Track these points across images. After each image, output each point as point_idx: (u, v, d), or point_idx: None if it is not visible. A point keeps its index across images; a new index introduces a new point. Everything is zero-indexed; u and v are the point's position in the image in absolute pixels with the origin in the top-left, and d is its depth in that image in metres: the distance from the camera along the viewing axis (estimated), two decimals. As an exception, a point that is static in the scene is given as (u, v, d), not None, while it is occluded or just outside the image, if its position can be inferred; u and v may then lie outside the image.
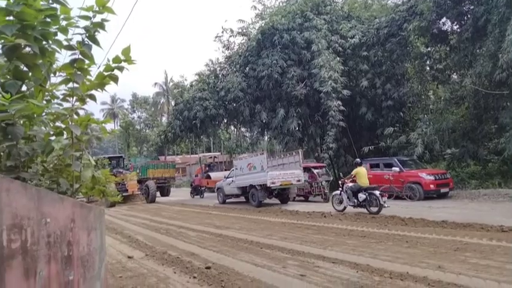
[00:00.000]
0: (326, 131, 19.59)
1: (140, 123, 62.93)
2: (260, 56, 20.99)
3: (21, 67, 2.52)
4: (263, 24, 21.66)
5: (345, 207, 12.33)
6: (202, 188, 26.22)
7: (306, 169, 17.34)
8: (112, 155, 29.40)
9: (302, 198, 17.74)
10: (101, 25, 2.88)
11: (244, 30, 23.81)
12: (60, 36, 2.76)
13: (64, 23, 2.73)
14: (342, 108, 18.66)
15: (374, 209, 11.16)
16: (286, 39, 20.10)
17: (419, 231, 8.01)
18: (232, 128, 34.15)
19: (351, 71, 21.29)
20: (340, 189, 12.62)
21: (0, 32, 2.34)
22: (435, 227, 8.35)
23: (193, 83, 25.35)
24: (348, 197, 12.02)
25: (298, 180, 16.22)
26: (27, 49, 2.49)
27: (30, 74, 2.59)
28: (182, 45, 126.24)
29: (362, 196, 11.54)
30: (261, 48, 21.28)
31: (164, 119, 58.86)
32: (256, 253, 6.94)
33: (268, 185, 15.68)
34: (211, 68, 24.92)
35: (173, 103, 42.10)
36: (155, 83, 60.88)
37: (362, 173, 11.98)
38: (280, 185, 15.89)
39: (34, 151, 2.49)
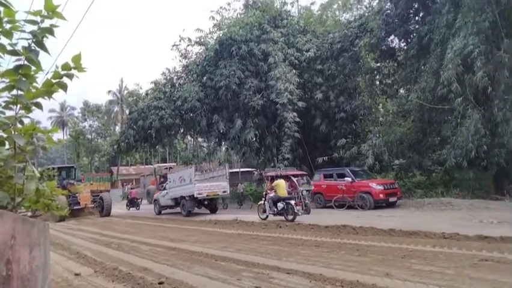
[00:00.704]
0: (282, 141, 19.90)
1: (91, 133, 60.21)
2: (218, 66, 21.02)
3: (-42, 72, 2.36)
4: (221, 35, 21.76)
5: (267, 216, 13.61)
6: (138, 200, 27.26)
7: (285, 177, 15.62)
8: (62, 165, 27.79)
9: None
10: (49, 30, 2.76)
11: (202, 40, 23.79)
12: (3, 40, 2.62)
13: (7, 26, 2.60)
14: (297, 119, 19.09)
15: (290, 217, 12.63)
16: (244, 51, 20.32)
17: (369, 240, 8.34)
18: (189, 138, 33.72)
19: (307, 83, 21.92)
20: (263, 199, 14.09)
21: None
22: (384, 235, 8.73)
23: (149, 92, 24.80)
24: (269, 206, 13.40)
25: (224, 192, 18.05)
26: (-35, 53, 2.34)
27: (-32, 80, 2.43)
28: (138, 53, 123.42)
29: (280, 205, 13.04)
30: (218, 58, 21.33)
31: (117, 128, 56.88)
32: (211, 266, 6.86)
33: (195, 196, 17.39)
34: (168, 77, 24.55)
35: (127, 112, 40.84)
36: (109, 91, 58.85)
37: (281, 185, 13.39)
38: (207, 195, 17.64)
39: (-29, 163, 2.32)
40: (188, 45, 24.18)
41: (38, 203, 3.30)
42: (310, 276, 5.58)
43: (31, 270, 2.62)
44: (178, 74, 24.52)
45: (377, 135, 18.06)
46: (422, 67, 17.04)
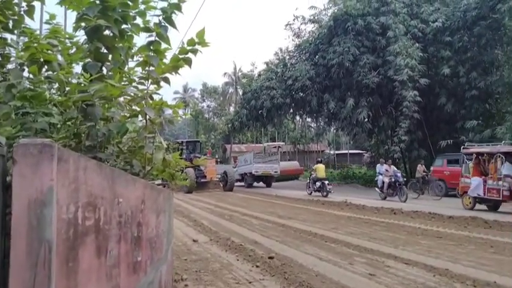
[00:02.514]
0: (398, 122, 18.44)
1: (209, 112, 65.11)
2: (331, 44, 20.31)
3: (102, 49, 2.59)
4: (336, 11, 20.91)
5: (311, 192, 17.31)
6: None
7: (508, 154, 11.42)
8: (189, 140, 28.52)
9: (485, 206, 11.83)
10: (177, 7, 2.87)
11: (316, 17, 23.23)
12: (138, 21, 2.81)
13: (142, 7, 2.77)
14: (418, 98, 17.40)
15: (324, 193, 16.27)
16: (361, 25, 19.18)
17: (506, 236, 7.16)
18: (298, 118, 33.81)
19: (431, 58, 19.72)
20: (309, 179, 18.19)
21: (84, 13, 2.41)
22: (527, 234, 7.40)
23: (261, 72, 25.44)
24: (311, 184, 17.56)
25: (275, 172, 23.15)
26: (107, 31, 2.54)
27: (110, 56, 2.65)
28: (252, 34, 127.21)
29: (317, 184, 16.89)
30: (332, 35, 20.57)
31: (232, 108, 60.19)
32: (321, 246, 6.71)
33: (253, 173, 22.77)
34: (280, 57, 24.83)
35: (241, 92, 42.80)
36: (225, 73, 62.34)
37: (319, 168, 17.21)
38: (262, 173, 22.81)
39: (110, 132, 2.54)
40: (301, 24, 23.94)
41: (164, 172, 3.56)
42: (433, 269, 5.00)
43: (157, 234, 2.81)
44: (291, 54, 24.56)
45: (519, 116, 15.39)
46: None
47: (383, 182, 15.18)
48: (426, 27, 18.78)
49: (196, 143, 25.84)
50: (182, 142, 23.39)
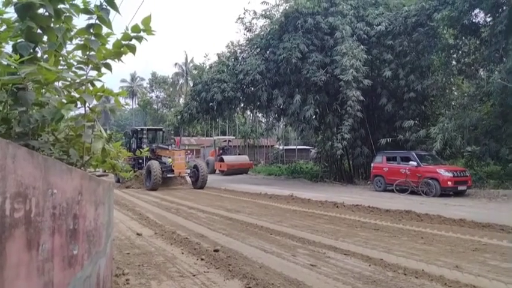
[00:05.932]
0: (343, 120, 19.18)
1: (158, 103, 63.23)
2: (282, 40, 20.55)
3: (35, 29, 2.40)
4: (287, 8, 21.11)
5: None
6: None
7: None
8: (149, 127, 25.50)
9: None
10: (119, -11, 2.74)
11: (268, 13, 23.24)
12: (78, 2, 2.64)
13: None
14: (361, 98, 18.16)
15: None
16: (310, 24, 19.58)
17: (435, 228, 7.77)
18: (249, 112, 33.89)
19: (374, 60, 20.69)
20: None
21: (13, -12, 2.22)
22: (453, 225, 8.08)
23: (213, 65, 25.09)
24: None
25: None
26: (42, 10, 2.37)
27: (45, 37, 2.47)
28: (204, 26, 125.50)
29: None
30: (283, 31, 20.80)
31: (182, 100, 58.98)
32: (266, 239, 6.85)
33: None
34: (232, 50, 24.56)
35: (191, 84, 42.01)
36: (176, 64, 60.86)
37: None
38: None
39: (44, 118, 2.38)
40: (253, 18, 23.76)
41: (104, 162, 3.40)
42: (369, 260, 5.32)
43: (96, 227, 2.69)
44: (242, 48, 24.39)
45: (450, 118, 16.71)
46: (511, 46, 15.20)
47: None
48: (371, 30, 19.59)
49: (157, 131, 23.32)
50: (142, 130, 21.47)
